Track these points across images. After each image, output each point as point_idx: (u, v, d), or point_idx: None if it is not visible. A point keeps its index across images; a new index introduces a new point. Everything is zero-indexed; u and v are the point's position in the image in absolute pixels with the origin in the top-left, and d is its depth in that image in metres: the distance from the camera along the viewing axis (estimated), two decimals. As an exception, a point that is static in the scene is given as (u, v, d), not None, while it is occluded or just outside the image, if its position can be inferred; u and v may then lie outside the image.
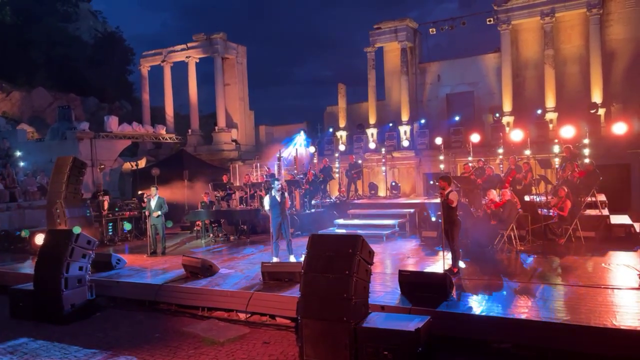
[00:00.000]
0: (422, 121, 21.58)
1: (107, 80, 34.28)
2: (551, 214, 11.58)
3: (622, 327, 5.98)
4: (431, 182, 18.00)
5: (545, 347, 6.06)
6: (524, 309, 6.89)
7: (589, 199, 12.15)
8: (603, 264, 9.32)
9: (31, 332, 7.92)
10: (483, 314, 6.79)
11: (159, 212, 12.40)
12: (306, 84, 74.81)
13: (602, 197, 12.75)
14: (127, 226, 15.26)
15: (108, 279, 10.12)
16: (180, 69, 26.61)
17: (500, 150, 16.09)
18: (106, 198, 15.56)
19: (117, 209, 15.55)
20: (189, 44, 25.74)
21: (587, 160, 13.23)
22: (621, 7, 18.69)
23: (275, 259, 10.39)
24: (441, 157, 17.43)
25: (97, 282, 9.34)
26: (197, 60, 26.05)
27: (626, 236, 11.37)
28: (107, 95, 33.27)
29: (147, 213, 12.71)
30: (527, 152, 15.00)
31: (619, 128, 13.54)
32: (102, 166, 20.96)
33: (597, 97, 18.10)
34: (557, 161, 14.52)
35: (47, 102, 29.70)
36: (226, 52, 25.68)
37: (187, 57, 25.69)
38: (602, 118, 17.51)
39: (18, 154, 20.83)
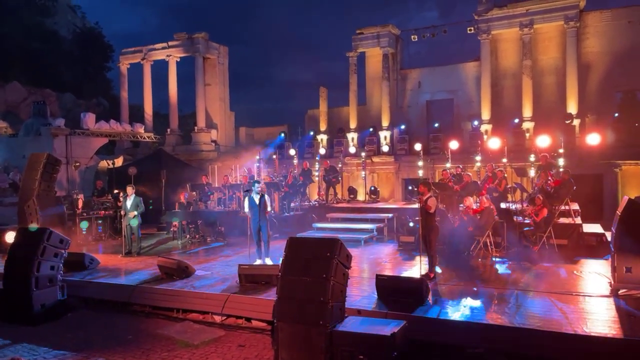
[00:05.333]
0: (402, 127, 21.86)
1: (85, 77, 33.67)
2: (527, 221, 11.78)
3: (592, 334, 6.11)
4: (409, 188, 18.13)
5: (517, 352, 6.14)
6: (497, 315, 6.98)
7: (563, 207, 12.39)
8: (575, 272, 9.50)
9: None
10: (458, 319, 6.86)
11: (135, 212, 12.22)
12: (288, 86, 74.54)
13: (575, 206, 13.04)
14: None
15: (80, 279, 9.90)
16: (160, 68, 26.28)
17: (478, 158, 16.30)
18: (81, 196, 15.25)
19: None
20: (170, 43, 25.46)
21: (561, 169, 13.49)
22: (597, 20, 19.19)
23: (258, 261, 10.29)
24: (420, 163, 17.56)
25: (69, 282, 9.13)
26: (178, 59, 25.78)
27: (597, 244, 11.59)
28: (84, 92, 32.64)
29: (122, 212, 12.50)
30: (504, 160, 15.27)
31: (593, 139, 13.83)
32: (78, 164, 20.57)
33: (572, 108, 18.52)
34: (533, 170, 14.80)
35: (21, 96, 29.02)
36: (208, 52, 25.48)
37: (167, 55, 25.41)
38: (576, 129, 17.91)
39: (-10, 149, 20.32)
